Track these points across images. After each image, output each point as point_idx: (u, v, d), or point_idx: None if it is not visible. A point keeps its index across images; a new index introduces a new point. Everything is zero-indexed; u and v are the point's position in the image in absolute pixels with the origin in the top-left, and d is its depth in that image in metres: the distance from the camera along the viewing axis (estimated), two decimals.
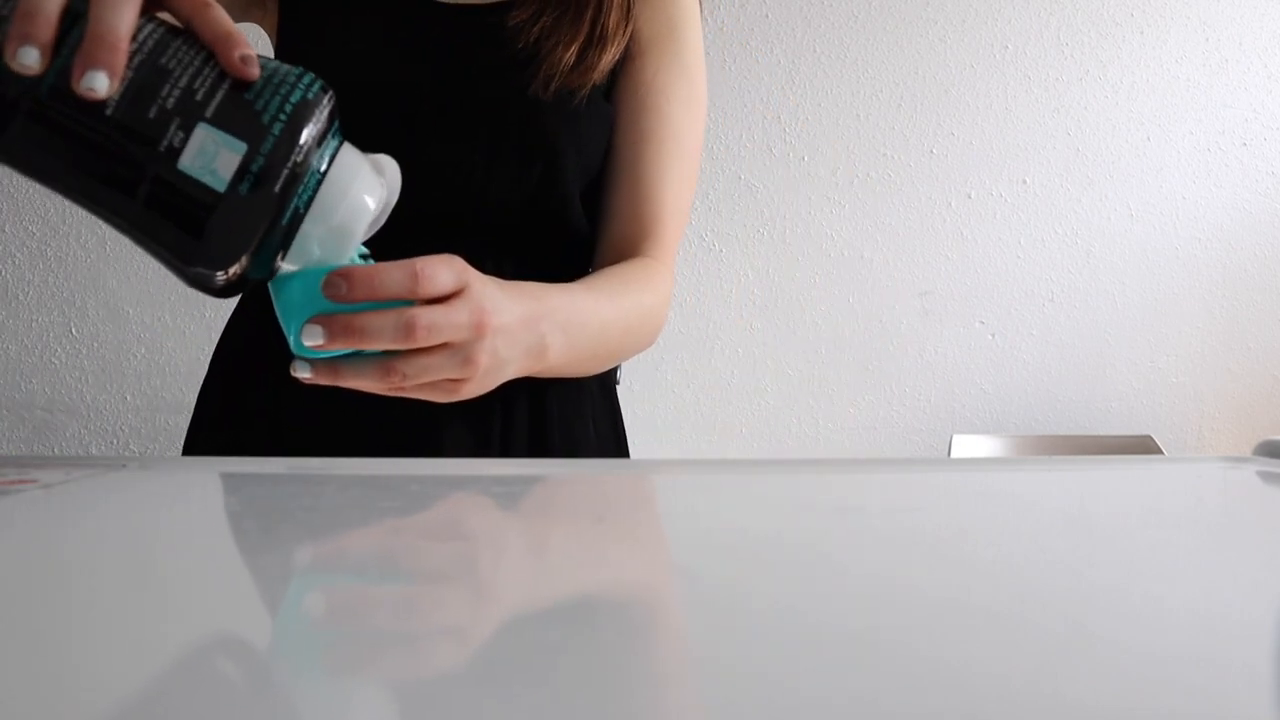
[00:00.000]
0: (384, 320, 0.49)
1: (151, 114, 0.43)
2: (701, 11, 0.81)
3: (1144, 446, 1.96)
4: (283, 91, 0.45)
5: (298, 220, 0.46)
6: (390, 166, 0.51)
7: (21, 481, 0.45)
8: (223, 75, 0.44)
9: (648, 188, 0.75)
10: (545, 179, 0.73)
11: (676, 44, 0.77)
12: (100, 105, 0.42)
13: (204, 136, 0.43)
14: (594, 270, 0.76)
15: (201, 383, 0.78)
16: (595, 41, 0.72)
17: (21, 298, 2.04)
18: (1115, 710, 0.19)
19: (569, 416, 0.77)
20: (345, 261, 0.49)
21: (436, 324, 0.50)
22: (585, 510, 0.46)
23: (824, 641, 0.24)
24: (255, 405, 0.74)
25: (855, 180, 2.13)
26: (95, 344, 2.04)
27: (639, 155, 0.75)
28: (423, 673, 0.22)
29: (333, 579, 0.31)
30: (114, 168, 0.43)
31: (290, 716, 0.19)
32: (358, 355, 0.52)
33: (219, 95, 0.44)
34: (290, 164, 0.44)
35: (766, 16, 2.11)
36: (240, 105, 0.44)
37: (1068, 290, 2.15)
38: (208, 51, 0.44)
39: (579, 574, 0.32)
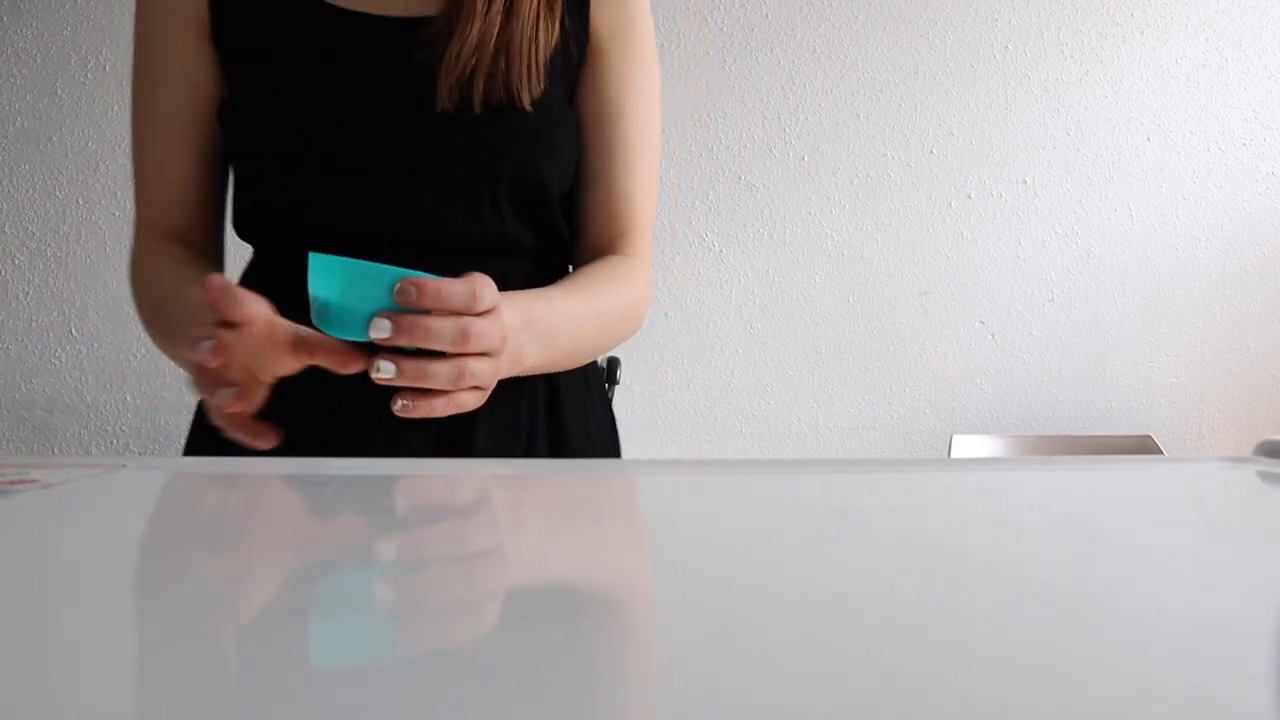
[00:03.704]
0: (444, 325, 0.58)
1: None
2: None
3: (1144, 446, 1.96)
4: None
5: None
6: None
7: (21, 481, 0.45)
8: None
9: (619, 188, 0.79)
10: (532, 195, 0.75)
11: (634, 40, 0.79)
12: None
13: None
14: (574, 269, 0.79)
15: None
16: (544, 16, 0.74)
17: (21, 298, 2.04)
18: (1115, 710, 0.19)
19: (584, 426, 0.79)
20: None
21: (484, 334, 0.60)
22: (585, 510, 0.46)
23: (823, 642, 0.24)
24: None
25: (855, 180, 2.13)
26: (95, 344, 2.04)
27: (608, 157, 0.79)
28: (418, 672, 0.22)
29: (331, 579, 0.31)
30: None
31: (288, 715, 0.19)
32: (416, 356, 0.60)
33: None
34: None
35: (766, 16, 2.11)
36: None
37: (1068, 290, 2.15)
38: None
39: (578, 573, 0.32)
